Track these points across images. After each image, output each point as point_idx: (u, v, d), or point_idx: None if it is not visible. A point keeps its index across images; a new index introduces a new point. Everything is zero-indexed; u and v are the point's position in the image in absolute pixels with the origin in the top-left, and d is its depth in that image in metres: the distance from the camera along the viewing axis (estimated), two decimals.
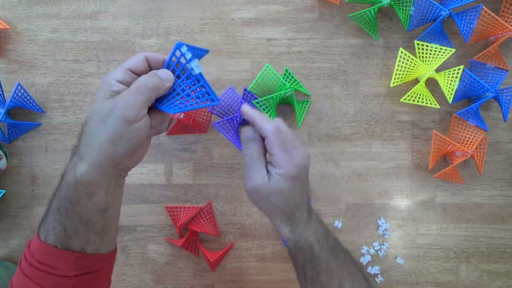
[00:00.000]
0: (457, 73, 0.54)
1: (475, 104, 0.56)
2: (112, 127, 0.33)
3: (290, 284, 0.60)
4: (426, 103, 0.55)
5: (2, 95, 0.54)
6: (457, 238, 0.61)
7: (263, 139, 0.38)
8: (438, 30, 0.57)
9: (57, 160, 0.58)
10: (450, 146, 0.56)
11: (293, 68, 0.59)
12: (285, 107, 0.59)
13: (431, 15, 0.55)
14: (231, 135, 0.55)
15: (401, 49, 0.54)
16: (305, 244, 0.38)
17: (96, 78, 0.58)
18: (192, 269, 0.60)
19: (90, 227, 0.35)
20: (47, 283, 0.35)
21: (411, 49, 0.57)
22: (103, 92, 0.34)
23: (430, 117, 0.60)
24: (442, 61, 0.53)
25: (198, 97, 0.36)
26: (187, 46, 0.35)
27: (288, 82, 0.57)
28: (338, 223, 0.60)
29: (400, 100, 0.56)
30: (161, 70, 0.36)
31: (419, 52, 0.55)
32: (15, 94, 0.53)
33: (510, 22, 0.56)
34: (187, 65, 0.35)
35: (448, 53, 0.53)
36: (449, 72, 0.54)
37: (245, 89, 0.57)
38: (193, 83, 0.36)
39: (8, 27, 0.57)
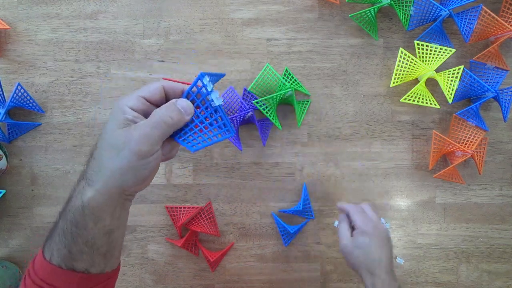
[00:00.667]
0: (457, 73, 0.53)
1: (475, 104, 0.56)
2: (125, 160, 0.33)
3: (290, 284, 0.60)
4: (426, 103, 0.55)
5: (2, 95, 0.54)
6: (457, 238, 0.61)
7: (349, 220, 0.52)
8: (438, 30, 0.57)
9: (57, 160, 0.58)
10: (450, 146, 0.56)
11: (293, 68, 0.59)
12: (285, 107, 0.59)
13: (431, 15, 0.55)
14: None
15: (401, 49, 0.54)
16: None
17: (96, 78, 0.58)
18: (192, 269, 0.60)
19: (95, 249, 0.35)
20: None
21: (411, 49, 0.57)
22: (116, 119, 0.33)
23: (430, 117, 0.60)
24: (442, 61, 0.53)
25: (214, 127, 0.36)
26: (209, 75, 0.34)
27: (288, 82, 0.57)
28: (338, 223, 0.60)
29: (400, 100, 0.56)
30: (182, 100, 0.35)
31: (419, 52, 0.55)
32: (15, 94, 0.53)
33: (510, 22, 0.56)
34: (207, 96, 0.35)
35: (448, 53, 0.53)
36: (449, 72, 0.54)
37: (245, 89, 0.57)
38: (211, 114, 0.36)
39: (8, 27, 0.57)
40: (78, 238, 0.34)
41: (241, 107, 0.55)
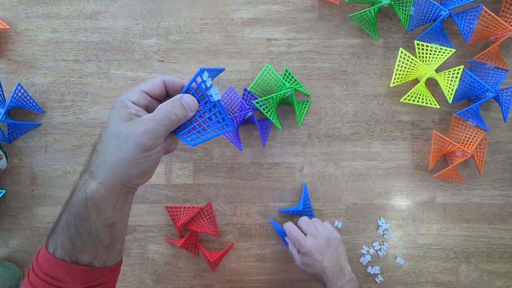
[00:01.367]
0: (457, 73, 0.53)
1: (475, 104, 0.56)
2: (128, 152, 0.33)
3: (290, 284, 0.60)
4: (426, 103, 0.55)
5: (2, 95, 0.54)
6: (457, 238, 0.61)
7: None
8: (438, 30, 0.57)
9: (57, 160, 0.58)
10: (450, 146, 0.56)
11: (293, 68, 0.59)
12: (285, 107, 0.59)
13: (431, 15, 0.55)
14: (231, 135, 0.55)
15: (401, 49, 0.54)
16: None
17: (96, 78, 0.58)
18: (192, 269, 0.60)
19: (98, 242, 0.36)
20: None
21: (411, 49, 0.57)
22: (119, 113, 0.34)
23: (430, 117, 0.60)
24: (442, 61, 0.53)
25: (212, 122, 0.37)
26: (208, 71, 0.34)
27: (288, 82, 0.57)
28: (338, 223, 0.60)
29: (400, 100, 0.56)
30: (186, 96, 0.35)
31: (419, 52, 0.55)
32: (15, 94, 0.53)
33: (510, 22, 0.56)
34: (206, 91, 0.35)
35: (448, 53, 0.53)
36: (449, 72, 0.54)
37: (245, 89, 0.57)
38: (210, 109, 0.36)
39: (8, 27, 0.57)
40: (81, 231, 0.35)
41: (241, 107, 0.55)
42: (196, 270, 0.60)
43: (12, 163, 0.58)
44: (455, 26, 0.58)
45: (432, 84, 0.58)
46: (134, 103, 0.35)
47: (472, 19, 0.54)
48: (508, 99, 0.56)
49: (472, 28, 0.55)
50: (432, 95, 0.57)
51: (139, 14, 0.58)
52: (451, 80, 0.54)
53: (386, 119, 0.59)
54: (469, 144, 0.56)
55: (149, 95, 0.36)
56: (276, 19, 0.58)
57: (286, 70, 0.58)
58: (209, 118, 0.37)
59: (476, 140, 0.56)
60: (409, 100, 0.55)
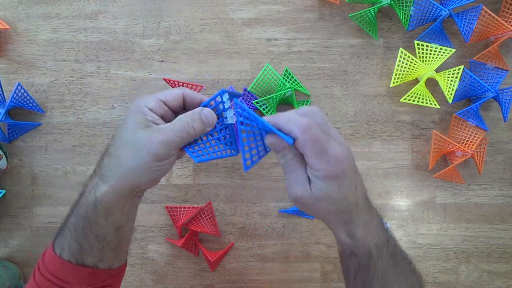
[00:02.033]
0: (457, 73, 0.54)
1: (475, 104, 0.56)
2: (142, 161, 0.33)
3: (290, 284, 0.60)
4: (426, 103, 0.55)
5: (2, 95, 0.54)
6: (457, 238, 0.61)
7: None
8: (438, 30, 0.57)
9: (57, 160, 0.58)
10: (450, 146, 0.56)
11: (293, 68, 0.59)
12: (285, 107, 0.59)
13: (431, 15, 0.55)
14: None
15: (401, 49, 0.54)
16: (363, 250, 0.34)
17: (96, 78, 0.58)
18: (192, 269, 0.60)
19: (105, 244, 0.36)
20: None
21: (411, 49, 0.57)
22: (136, 118, 0.34)
23: (430, 117, 0.60)
24: (442, 61, 0.53)
25: (221, 142, 0.37)
26: (229, 93, 0.34)
27: (288, 82, 0.57)
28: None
29: (400, 100, 0.56)
30: (206, 110, 0.35)
31: (419, 52, 0.55)
32: (15, 94, 0.53)
33: (510, 22, 0.56)
34: (222, 112, 0.35)
35: (448, 53, 0.53)
36: (449, 72, 0.54)
37: (245, 89, 0.57)
38: (221, 129, 0.37)
39: (8, 27, 0.57)
40: (89, 233, 0.35)
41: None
42: (196, 270, 0.60)
43: (12, 163, 0.58)
44: (455, 26, 0.58)
45: (432, 84, 0.58)
46: (151, 110, 0.34)
47: (472, 19, 0.54)
48: (508, 99, 0.56)
49: (472, 28, 0.55)
50: (432, 95, 0.57)
51: (139, 14, 0.58)
52: (451, 80, 0.54)
53: (386, 119, 0.59)
54: (469, 144, 0.56)
55: (166, 105, 0.36)
56: (276, 19, 0.58)
57: (286, 70, 0.58)
58: (218, 138, 0.37)
59: (476, 140, 0.56)
60: (409, 100, 0.55)
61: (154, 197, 0.59)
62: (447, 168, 0.56)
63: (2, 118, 0.54)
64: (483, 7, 0.52)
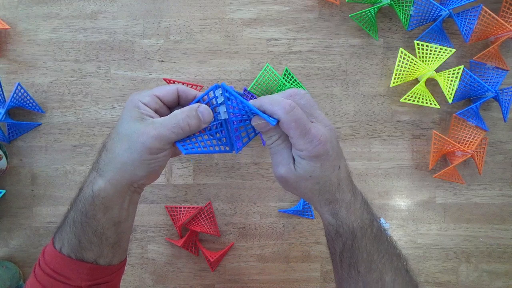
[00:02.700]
0: (457, 73, 0.54)
1: (475, 104, 0.56)
2: (136, 153, 0.34)
3: (290, 284, 0.60)
4: (426, 103, 0.55)
5: (2, 95, 0.54)
6: (457, 238, 0.61)
7: None
8: (438, 30, 0.57)
9: (57, 160, 0.58)
10: (450, 146, 0.56)
11: (293, 68, 0.59)
12: None
13: (431, 15, 0.55)
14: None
15: (401, 49, 0.54)
16: (347, 230, 0.35)
17: (96, 78, 0.58)
18: (192, 269, 0.60)
19: (104, 240, 0.36)
20: None
21: (411, 49, 0.57)
22: (131, 112, 0.34)
23: (430, 117, 0.60)
24: (442, 61, 0.53)
25: (214, 138, 0.37)
26: (223, 89, 0.34)
27: (288, 82, 0.57)
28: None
29: (400, 100, 0.56)
30: (203, 107, 0.35)
31: (419, 52, 0.55)
32: (15, 94, 0.53)
33: (510, 22, 0.56)
34: (216, 107, 0.35)
35: (448, 53, 0.53)
36: (449, 72, 0.54)
37: (245, 89, 0.57)
38: (215, 125, 0.36)
39: (8, 27, 0.57)
40: (87, 228, 0.35)
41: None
42: (196, 270, 0.60)
43: (12, 163, 0.58)
44: (455, 26, 0.58)
45: (432, 84, 0.58)
46: (145, 104, 0.35)
47: (472, 19, 0.54)
48: (508, 99, 0.56)
49: (472, 28, 0.55)
50: (432, 95, 0.57)
51: (139, 14, 0.58)
52: (451, 80, 0.54)
53: (386, 119, 0.59)
54: (469, 144, 0.56)
55: (160, 100, 0.36)
56: (276, 19, 0.58)
57: (286, 70, 0.58)
58: (210, 134, 0.37)
59: (476, 140, 0.56)
60: (409, 100, 0.55)
61: (154, 197, 0.59)
62: (447, 168, 0.56)
63: (2, 118, 0.54)
64: (483, 7, 0.52)
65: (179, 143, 0.35)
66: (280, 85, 0.55)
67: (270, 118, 0.32)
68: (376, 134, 0.60)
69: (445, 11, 0.54)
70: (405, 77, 0.56)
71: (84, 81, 0.58)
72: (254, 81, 0.54)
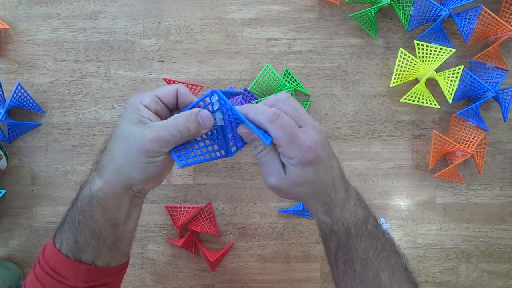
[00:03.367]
0: (457, 73, 0.54)
1: (475, 104, 0.56)
2: (133, 155, 0.33)
3: (290, 284, 0.60)
4: (426, 103, 0.55)
5: (2, 95, 0.54)
6: (457, 238, 0.61)
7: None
8: (438, 30, 0.57)
9: (57, 160, 0.58)
10: (450, 146, 0.56)
11: (293, 68, 0.59)
12: None
13: (431, 15, 0.55)
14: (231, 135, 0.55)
15: (401, 49, 0.54)
16: (342, 227, 0.35)
17: (96, 78, 0.58)
18: (192, 269, 0.60)
19: (101, 241, 0.36)
20: None
21: (411, 49, 0.57)
22: (131, 114, 0.34)
23: (430, 117, 0.60)
24: (442, 61, 0.53)
25: (210, 145, 0.36)
26: (219, 94, 0.33)
27: (288, 82, 0.57)
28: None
29: (400, 100, 0.56)
30: (204, 112, 0.34)
31: (419, 52, 0.55)
32: (15, 94, 0.53)
33: (510, 22, 0.56)
34: (212, 113, 0.35)
35: (448, 53, 0.53)
36: (449, 72, 0.54)
37: (245, 89, 0.57)
38: (210, 132, 0.36)
39: (8, 27, 0.57)
40: (85, 228, 0.35)
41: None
42: (196, 270, 0.60)
43: (12, 163, 0.58)
44: (455, 26, 0.58)
45: (432, 84, 0.58)
46: (146, 106, 0.34)
47: (472, 19, 0.54)
48: (508, 99, 0.56)
49: (472, 28, 0.55)
50: (432, 95, 0.57)
51: (139, 14, 0.58)
52: (451, 80, 0.54)
53: (386, 119, 0.59)
54: (469, 144, 0.56)
55: (161, 102, 0.36)
56: (276, 19, 0.58)
57: (286, 70, 0.58)
58: (207, 139, 0.36)
59: (476, 140, 0.56)
60: (409, 100, 0.55)
61: (154, 197, 0.59)
62: (447, 168, 0.56)
63: (2, 118, 0.54)
64: (483, 7, 0.52)
65: (175, 154, 0.34)
66: (280, 85, 0.55)
67: (264, 135, 0.31)
68: (376, 134, 0.60)
69: (445, 11, 0.54)
70: (405, 77, 0.56)
71: (84, 81, 0.58)
72: (254, 81, 0.54)
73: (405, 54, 0.54)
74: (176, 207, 0.58)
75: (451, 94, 0.54)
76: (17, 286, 0.56)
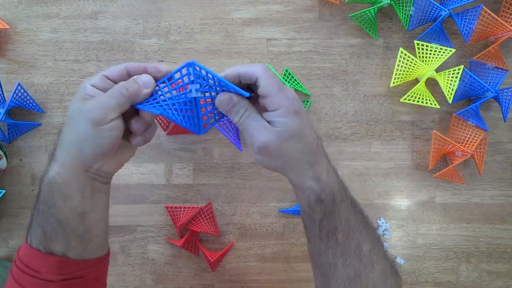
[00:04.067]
0: (457, 73, 0.54)
1: (475, 104, 0.56)
2: (80, 128, 0.33)
3: (290, 284, 0.60)
4: (426, 103, 0.55)
5: (2, 95, 0.54)
6: (457, 238, 0.61)
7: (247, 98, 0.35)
8: (438, 30, 0.57)
9: None
10: (450, 146, 0.56)
11: (293, 68, 0.59)
12: None
13: (431, 15, 0.55)
14: (231, 135, 0.55)
15: (401, 49, 0.54)
16: (329, 194, 0.35)
17: None
18: (192, 269, 0.60)
19: (69, 231, 0.35)
20: (33, 287, 0.35)
21: (411, 49, 0.57)
22: (77, 95, 0.35)
23: (430, 117, 0.60)
24: (442, 61, 0.53)
25: (181, 108, 0.36)
26: (197, 64, 0.34)
27: (288, 82, 0.57)
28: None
29: (400, 100, 0.56)
30: (143, 75, 0.36)
31: (419, 52, 0.55)
32: (15, 94, 0.53)
33: (510, 22, 0.56)
34: (187, 84, 0.35)
35: (448, 53, 0.53)
36: (449, 72, 0.54)
37: None
38: (185, 103, 0.36)
39: (8, 27, 0.57)
40: (49, 217, 0.35)
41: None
42: (196, 270, 0.60)
43: (12, 163, 0.58)
44: (455, 26, 0.58)
45: (432, 84, 0.58)
46: (93, 86, 0.35)
47: (472, 19, 0.54)
48: (508, 99, 0.56)
49: (472, 28, 0.55)
50: (432, 95, 0.57)
51: (139, 14, 0.58)
52: (451, 80, 0.54)
53: (386, 119, 0.59)
54: (469, 144, 0.56)
55: (111, 80, 0.36)
56: (276, 19, 0.58)
57: (286, 70, 0.58)
58: (181, 109, 0.36)
59: (476, 140, 0.56)
60: (409, 100, 0.55)
61: (154, 197, 0.59)
62: (447, 168, 0.56)
63: (2, 118, 0.54)
64: (483, 7, 0.52)
65: (140, 105, 0.35)
66: None
67: (243, 91, 0.34)
68: (376, 134, 0.60)
69: (445, 11, 0.54)
70: (405, 77, 0.56)
71: (84, 81, 0.58)
72: None
73: (405, 54, 0.54)
74: (176, 207, 0.58)
75: (451, 94, 0.54)
76: None
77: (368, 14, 0.55)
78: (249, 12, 0.58)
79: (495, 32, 0.54)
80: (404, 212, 0.60)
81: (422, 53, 0.55)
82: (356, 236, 0.36)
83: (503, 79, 0.57)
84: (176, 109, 0.35)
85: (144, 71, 0.37)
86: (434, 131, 0.56)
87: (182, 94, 0.35)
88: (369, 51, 0.59)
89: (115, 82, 0.36)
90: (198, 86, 0.35)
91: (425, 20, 0.56)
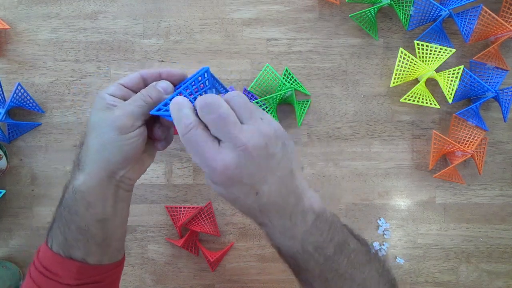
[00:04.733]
0: (457, 73, 0.54)
1: (475, 104, 0.56)
2: (105, 136, 0.34)
3: (290, 284, 0.60)
4: (426, 103, 0.55)
5: (2, 95, 0.54)
6: (457, 238, 0.61)
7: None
8: (438, 30, 0.57)
9: (57, 160, 0.58)
10: (450, 146, 0.56)
11: (293, 68, 0.59)
12: (285, 107, 0.59)
13: (431, 15, 0.55)
14: None
15: (401, 49, 0.54)
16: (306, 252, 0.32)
17: (96, 78, 0.58)
18: (192, 269, 0.60)
19: (90, 237, 0.36)
20: None
21: (411, 49, 0.57)
22: (98, 105, 0.36)
23: (430, 117, 0.60)
24: (442, 61, 0.53)
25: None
26: (208, 74, 0.35)
27: (288, 82, 0.57)
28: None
29: (400, 100, 0.56)
30: (162, 82, 0.37)
31: (419, 52, 0.55)
32: (15, 94, 0.53)
33: (510, 22, 0.56)
34: (203, 91, 0.36)
35: (448, 53, 0.53)
36: (449, 72, 0.54)
37: (245, 89, 0.57)
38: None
39: (8, 27, 0.57)
40: (71, 224, 0.35)
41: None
42: (196, 270, 0.60)
43: (12, 163, 0.58)
44: (455, 26, 0.58)
45: (432, 84, 0.58)
46: (111, 95, 0.36)
47: (472, 19, 0.54)
48: (508, 99, 0.56)
49: (472, 28, 0.55)
50: (432, 95, 0.57)
51: (139, 14, 0.58)
52: (451, 80, 0.54)
53: (386, 119, 0.59)
54: (469, 144, 0.56)
55: (127, 88, 0.37)
56: (276, 19, 0.58)
57: (286, 70, 0.58)
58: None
59: (476, 140, 0.56)
60: (409, 100, 0.55)
61: (154, 197, 0.59)
62: (447, 168, 0.56)
63: (2, 118, 0.54)
64: (483, 7, 0.52)
65: (155, 111, 0.35)
66: (280, 85, 0.55)
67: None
68: (376, 134, 0.60)
69: (445, 11, 0.54)
70: (405, 77, 0.56)
71: (84, 81, 0.58)
72: (254, 81, 0.54)
73: (405, 54, 0.54)
74: (176, 207, 0.58)
75: (451, 94, 0.54)
76: (17, 286, 0.56)
77: (368, 14, 0.55)
78: (249, 12, 0.58)
79: (495, 32, 0.54)
80: (404, 212, 0.60)
81: (422, 53, 0.55)
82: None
83: (503, 79, 0.57)
84: None
85: (159, 77, 0.38)
86: (434, 131, 0.56)
87: (194, 98, 0.36)
88: (369, 51, 0.59)
89: (133, 90, 0.37)
90: (214, 91, 0.36)
91: (425, 20, 0.56)
